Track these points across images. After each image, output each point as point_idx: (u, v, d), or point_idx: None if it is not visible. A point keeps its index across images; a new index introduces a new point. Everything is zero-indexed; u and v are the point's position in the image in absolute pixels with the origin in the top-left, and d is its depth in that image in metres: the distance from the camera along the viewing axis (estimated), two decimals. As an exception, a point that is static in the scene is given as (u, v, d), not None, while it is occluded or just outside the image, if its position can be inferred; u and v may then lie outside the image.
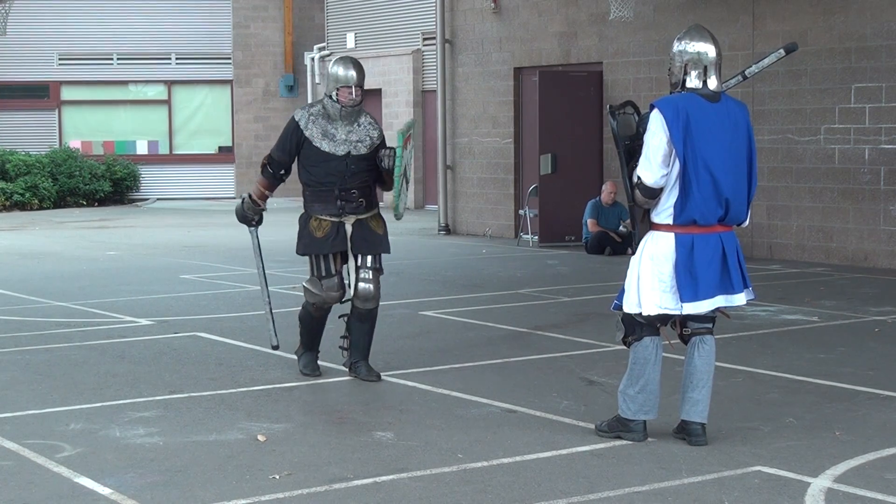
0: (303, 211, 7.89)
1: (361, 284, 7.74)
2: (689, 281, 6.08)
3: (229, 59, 28.36)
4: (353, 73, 7.72)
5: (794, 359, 8.60)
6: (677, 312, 6.16)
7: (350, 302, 7.87)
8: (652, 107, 6.15)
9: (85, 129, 27.99)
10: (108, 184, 26.53)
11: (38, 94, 27.97)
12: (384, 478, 5.66)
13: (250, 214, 8.27)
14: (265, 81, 28.39)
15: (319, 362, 8.12)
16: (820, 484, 5.53)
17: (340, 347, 8.04)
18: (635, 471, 5.76)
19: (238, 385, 7.77)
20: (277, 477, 5.67)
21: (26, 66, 27.59)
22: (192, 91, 28.43)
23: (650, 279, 6.15)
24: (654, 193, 6.12)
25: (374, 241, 7.77)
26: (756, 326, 10.00)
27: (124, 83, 28.20)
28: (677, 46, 6.23)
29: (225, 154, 28.57)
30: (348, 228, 7.71)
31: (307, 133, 7.69)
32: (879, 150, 14.18)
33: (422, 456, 6.05)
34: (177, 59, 28.22)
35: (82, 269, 14.57)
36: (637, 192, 6.17)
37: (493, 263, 15.03)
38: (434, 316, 10.63)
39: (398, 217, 7.93)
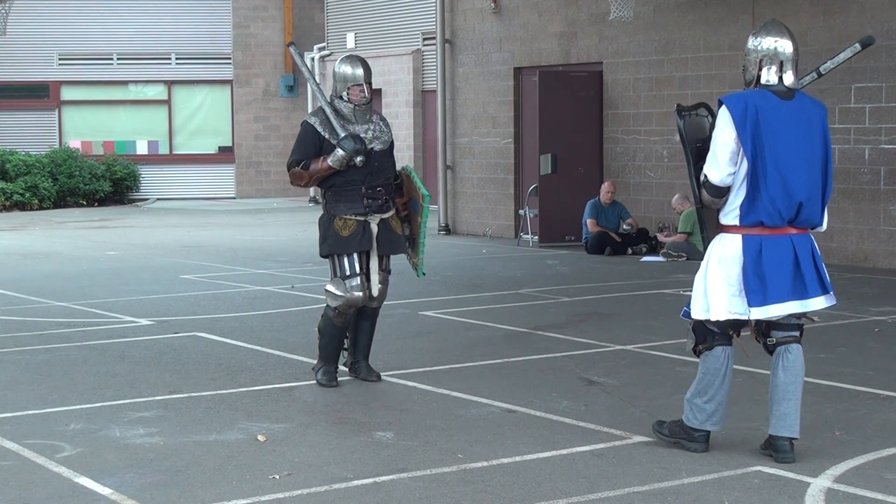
0: (322, 213, 7.73)
1: (379, 286, 7.76)
2: (757, 285, 5.85)
3: (229, 59, 28.36)
4: (361, 72, 7.67)
5: (794, 359, 8.59)
6: (745, 318, 5.93)
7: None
8: (720, 103, 5.93)
9: (85, 129, 27.99)
10: (108, 184, 26.53)
11: (38, 94, 27.97)
12: (384, 478, 5.66)
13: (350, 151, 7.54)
14: (265, 81, 28.40)
15: None
16: (820, 484, 5.53)
17: (342, 348, 8.03)
18: (635, 471, 5.76)
19: (238, 385, 7.77)
20: (277, 477, 5.68)
21: (26, 66, 27.59)
22: (192, 91, 28.43)
23: (718, 283, 5.94)
24: (722, 192, 5.92)
25: (397, 242, 7.80)
26: (756, 326, 9.99)
27: (124, 83, 28.19)
28: (752, 42, 6.04)
29: (225, 154, 28.57)
30: (374, 228, 7.64)
31: (325, 135, 7.61)
32: (879, 150, 14.18)
33: (422, 456, 6.05)
34: (177, 59, 28.22)
35: (82, 269, 14.57)
36: (703, 191, 5.97)
37: (493, 263, 15.03)
38: (434, 316, 10.63)
39: (418, 274, 8.04)
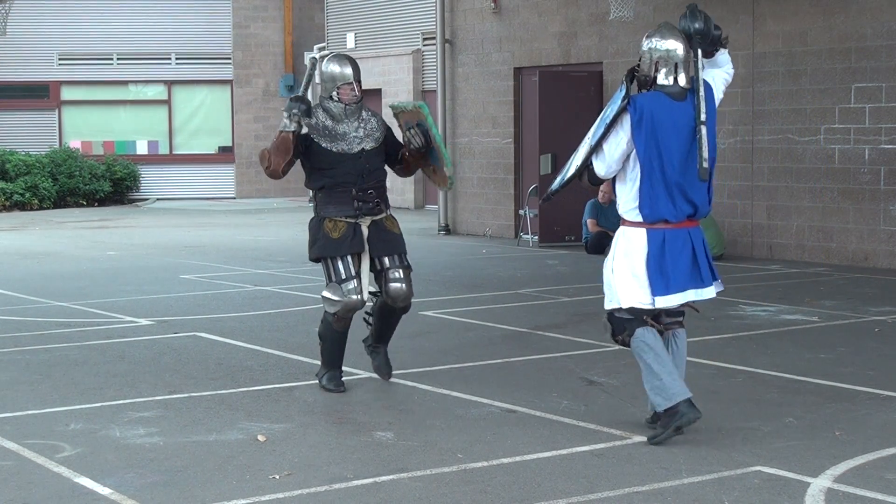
0: (313, 216, 7.56)
1: (394, 285, 7.48)
2: (660, 276, 6.20)
3: (229, 59, 28.36)
4: (350, 70, 7.54)
5: (794, 359, 8.60)
6: (650, 307, 6.27)
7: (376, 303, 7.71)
8: (626, 98, 6.24)
9: (85, 129, 27.99)
10: (108, 184, 26.53)
11: (38, 94, 27.97)
12: (384, 478, 5.66)
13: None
14: (265, 81, 28.40)
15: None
16: (820, 484, 5.53)
17: (365, 321, 7.83)
18: (635, 471, 5.76)
19: (238, 385, 7.76)
20: (277, 477, 5.68)
21: (26, 66, 27.59)
22: (192, 91, 28.43)
23: (625, 275, 6.29)
24: (599, 183, 6.50)
25: (393, 241, 7.55)
26: (756, 326, 10.00)
27: (124, 83, 28.20)
28: (647, 44, 6.33)
29: (225, 154, 28.58)
30: (364, 230, 7.46)
31: (314, 136, 7.48)
32: (879, 150, 14.18)
33: (422, 456, 6.05)
34: (177, 59, 28.22)
35: (82, 269, 14.57)
36: (585, 176, 6.43)
37: (493, 263, 15.03)
38: (434, 316, 10.63)
39: (451, 185, 7.70)
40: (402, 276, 7.53)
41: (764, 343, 9.26)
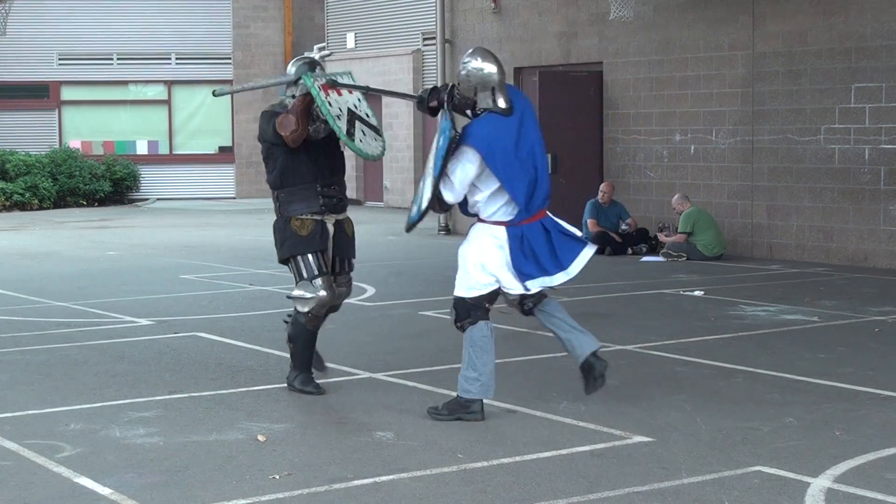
0: (276, 218, 7.54)
1: (342, 289, 7.61)
2: (528, 265, 6.67)
3: (229, 59, 28.36)
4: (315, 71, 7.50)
5: (794, 359, 8.60)
6: (524, 292, 6.75)
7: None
8: (468, 137, 6.61)
9: (85, 129, 28.00)
10: (108, 184, 26.54)
11: (38, 94, 27.98)
12: (384, 478, 5.66)
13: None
14: (265, 81, 28.39)
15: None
16: (820, 484, 5.53)
17: (286, 322, 7.86)
18: (635, 471, 5.76)
19: (238, 385, 7.76)
20: (277, 477, 5.67)
21: (26, 66, 27.59)
22: (192, 91, 28.42)
23: (481, 266, 6.70)
24: (448, 209, 6.90)
25: (350, 246, 7.62)
26: (756, 326, 10.00)
27: (124, 83, 28.20)
28: (464, 71, 6.69)
29: (225, 154, 28.58)
30: (330, 229, 7.50)
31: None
32: (879, 150, 14.18)
33: (422, 456, 6.05)
34: (177, 59, 28.22)
35: (82, 269, 14.57)
36: (434, 201, 6.67)
37: (493, 263, 14.99)
38: (434, 316, 10.62)
39: (369, 157, 7.46)
40: (347, 280, 7.69)
41: (764, 343, 9.26)
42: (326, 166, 7.50)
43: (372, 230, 19.12)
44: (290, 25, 28.42)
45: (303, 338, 7.50)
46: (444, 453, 6.09)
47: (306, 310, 7.42)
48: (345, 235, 7.57)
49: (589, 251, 6.86)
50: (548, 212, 6.87)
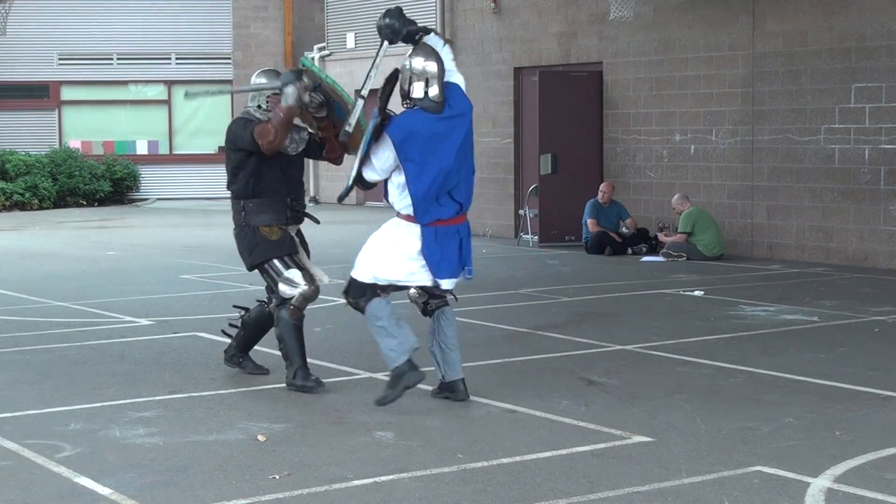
0: (238, 228, 7.68)
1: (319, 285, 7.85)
2: (438, 264, 6.97)
3: (229, 59, 28.36)
4: (279, 82, 7.57)
5: (794, 359, 8.60)
6: (431, 286, 7.05)
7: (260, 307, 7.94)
8: (387, 126, 6.91)
9: (85, 129, 27.98)
10: (108, 184, 26.53)
11: (38, 94, 27.96)
12: (384, 478, 5.66)
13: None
14: (265, 81, 28.35)
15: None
16: (820, 484, 5.53)
17: (224, 331, 8.09)
18: (635, 471, 5.76)
19: (238, 385, 7.76)
20: (277, 477, 5.68)
21: (26, 66, 27.58)
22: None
23: (388, 257, 6.99)
24: (371, 187, 7.22)
25: (307, 251, 7.89)
26: (756, 326, 10.00)
27: (124, 83, 28.19)
28: (405, 63, 7.02)
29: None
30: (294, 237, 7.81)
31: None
32: (879, 150, 14.18)
33: (422, 456, 6.05)
34: (177, 59, 28.21)
35: (82, 269, 14.57)
36: (360, 181, 7.06)
37: (493, 263, 15.02)
38: (434, 316, 10.62)
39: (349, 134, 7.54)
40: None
41: (764, 343, 9.26)
42: (296, 179, 7.76)
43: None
44: (290, 25, 28.41)
45: (290, 332, 7.59)
46: (444, 453, 6.09)
47: (291, 299, 7.54)
48: (305, 242, 7.87)
49: (470, 273, 7.20)
50: (466, 220, 7.20)
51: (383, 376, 7.96)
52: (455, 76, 7.16)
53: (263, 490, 5.48)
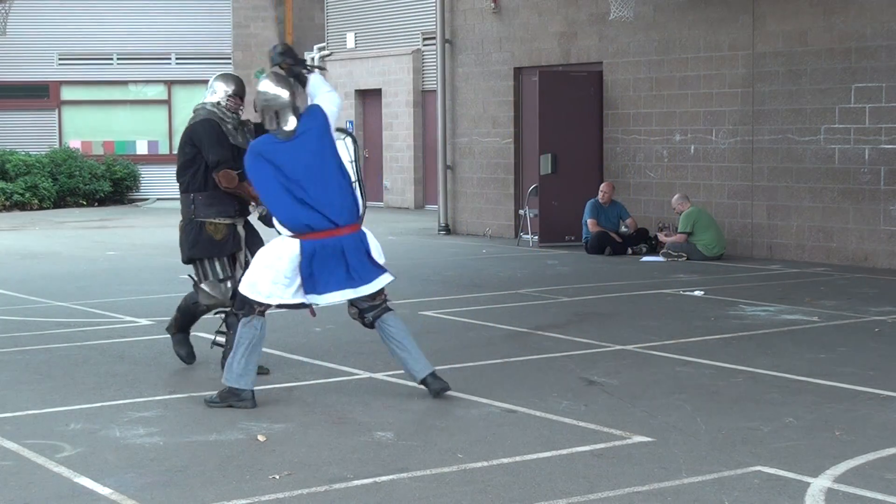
0: (185, 219, 7.94)
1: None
2: (311, 279, 6.99)
3: (229, 59, 28.35)
4: (234, 87, 8.25)
5: (794, 359, 8.60)
6: (305, 301, 7.07)
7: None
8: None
9: (85, 129, 27.99)
10: (108, 184, 26.53)
11: (38, 94, 27.97)
12: (384, 478, 5.66)
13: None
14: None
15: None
16: (820, 484, 5.53)
17: (215, 343, 8.16)
18: (635, 471, 5.76)
19: (238, 385, 7.75)
20: (277, 477, 5.68)
21: (26, 66, 27.58)
22: (192, 91, 28.36)
23: (271, 272, 7.01)
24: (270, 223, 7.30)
25: (260, 240, 8.00)
26: (756, 326, 10.00)
27: (124, 83, 28.19)
28: (256, 93, 7.16)
29: (225, 154, 28.53)
30: (240, 231, 7.97)
31: (230, 137, 7.98)
32: (879, 150, 14.18)
33: (422, 456, 6.05)
34: (177, 59, 28.22)
35: (82, 269, 14.57)
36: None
37: (493, 263, 15.02)
38: (434, 316, 10.63)
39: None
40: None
41: (764, 343, 9.26)
42: (243, 176, 7.87)
43: (372, 230, 19.06)
44: (290, 25, 28.41)
45: (189, 313, 8.20)
46: (444, 453, 6.09)
47: (208, 303, 7.97)
48: (255, 232, 8.07)
49: (386, 278, 7.21)
50: (363, 228, 7.23)
51: (383, 376, 7.97)
52: (321, 98, 7.27)
53: (263, 490, 5.48)
